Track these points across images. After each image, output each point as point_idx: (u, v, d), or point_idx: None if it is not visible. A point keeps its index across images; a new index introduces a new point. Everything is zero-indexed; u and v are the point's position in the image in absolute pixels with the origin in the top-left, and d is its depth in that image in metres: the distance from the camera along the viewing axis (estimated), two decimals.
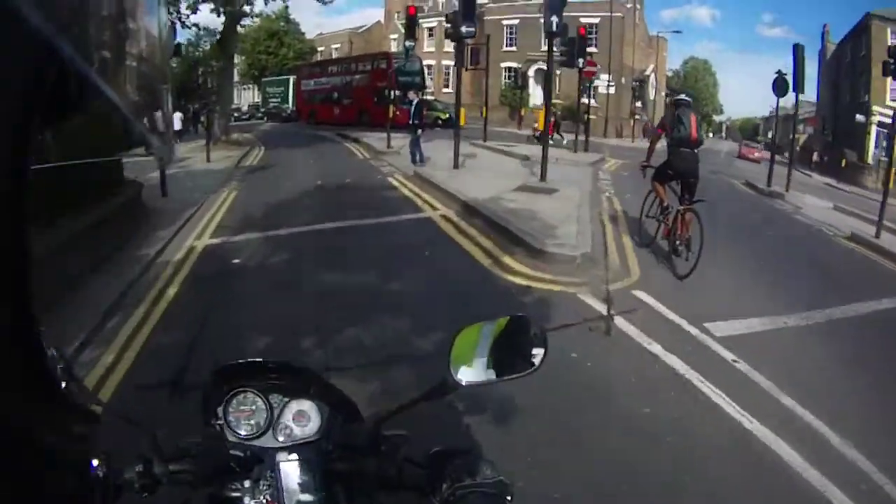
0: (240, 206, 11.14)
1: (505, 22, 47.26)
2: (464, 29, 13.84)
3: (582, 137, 24.13)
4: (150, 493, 1.03)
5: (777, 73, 17.87)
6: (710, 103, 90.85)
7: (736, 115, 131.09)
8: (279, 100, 49.62)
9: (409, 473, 1.14)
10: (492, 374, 1.13)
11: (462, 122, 16.02)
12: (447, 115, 33.80)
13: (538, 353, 1.16)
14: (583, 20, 45.37)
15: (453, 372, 1.10)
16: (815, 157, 44.34)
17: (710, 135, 64.80)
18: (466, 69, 25.73)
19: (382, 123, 22.14)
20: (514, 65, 47.71)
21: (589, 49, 43.63)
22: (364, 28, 63.96)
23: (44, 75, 0.46)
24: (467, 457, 1.13)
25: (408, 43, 19.67)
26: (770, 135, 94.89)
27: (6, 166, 0.47)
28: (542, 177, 13.56)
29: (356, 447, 1.17)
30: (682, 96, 8.42)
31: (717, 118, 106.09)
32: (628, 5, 45.47)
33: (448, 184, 12.49)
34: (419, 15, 25.45)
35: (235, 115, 42.30)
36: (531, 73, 45.45)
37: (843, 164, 26.42)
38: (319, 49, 62.89)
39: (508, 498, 1.07)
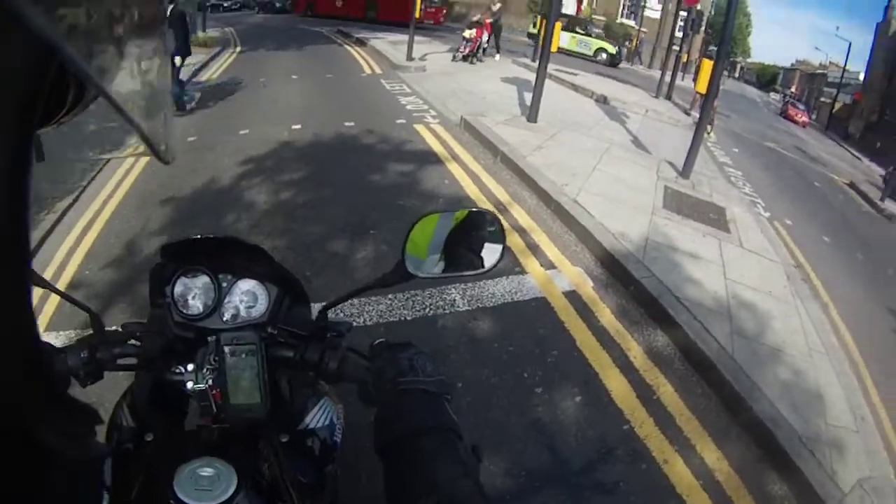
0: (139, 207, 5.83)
1: None
2: None
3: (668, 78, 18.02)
4: (95, 380, 1.09)
5: None
6: (740, 45, 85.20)
7: (756, 60, 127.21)
8: None
9: (352, 364, 1.15)
10: (441, 268, 1.15)
11: (554, 47, 9.95)
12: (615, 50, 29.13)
13: (495, 249, 1.17)
14: None
15: (406, 261, 1.10)
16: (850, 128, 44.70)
17: (726, 73, 60.11)
18: None
19: (398, 20, 18.39)
20: None
21: None
22: None
23: (44, 75, 0.45)
24: (410, 351, 1.12)
25: None
26: (794, 88, 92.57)
27: (6, 166, 0.45)
28: (685, 170, 8.38)
29: (301, 333, 1.16)
30: None
31: (742, 61, 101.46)
32: None
33: (542, 171, 7.02)
34: None
35: (225, 4, 36.41)
36: None
37: None
38: None
39: (448, 397, 1.05)
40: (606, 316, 4.58)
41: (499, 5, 16.96)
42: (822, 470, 3.68)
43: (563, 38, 29.44)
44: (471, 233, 1.17)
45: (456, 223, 1.16)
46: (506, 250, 1.17)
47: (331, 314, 1.21)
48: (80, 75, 0.44)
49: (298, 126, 8.15)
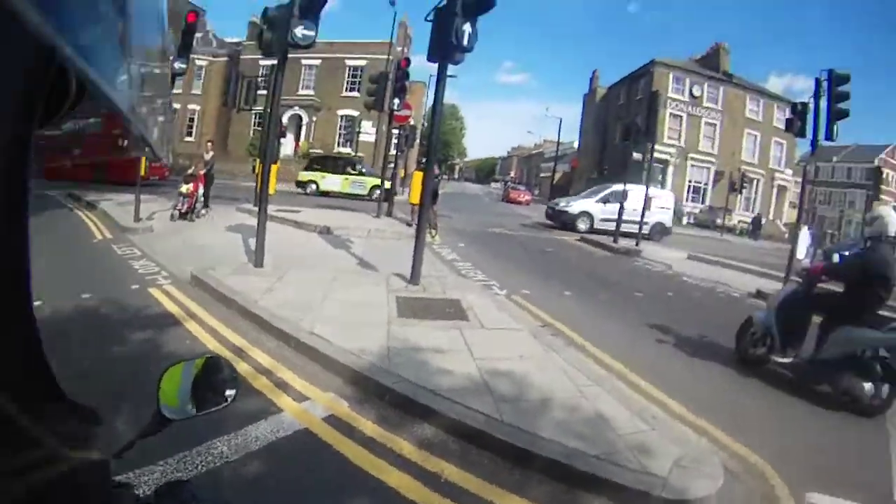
0: None
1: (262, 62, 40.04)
2: (299, 32, 8.16)
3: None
4: None
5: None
6: (455, 147, 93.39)
7: (471, 157, 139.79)
8: None
9: None
10: (192, 410, 1.22)
11: (272, 189, 10.00)
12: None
13: (231, 391, 1.31)
14: (349, 62, 43.24)
15: (161, 409, 1.16)
16: (571, 192, 48.25)
17: (446, 177, 65.41)
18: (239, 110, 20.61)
19: (124, 181, 17.50)
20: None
21: (352, 93, 42.68)
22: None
23: (44, 75, 0.47)
24: (189, 485, 1.08)
25: (178, 65, 12.94)
26: (512, 174, 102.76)
27: (6, 166, 0.47)
28: (413, 278, 8.74)
29: None
30: None
31: (460, 161, 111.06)
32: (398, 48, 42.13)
33: (276, 312, 6.80)
34: None
35: None
36: (285, 119, 40.56)
37: None
38: None
39: None
40: (370, 427, 4.46)
41: (212, 153, 16.65)
42: (632, 471, 3.87)
43: (334, 182, 30.22)
44: (211, 377, 1.28)
45: (197, 369, 1.26)
46: (240, 384, 1.34)
47: None
48: (80, 75, 0.43)
49: (39, 302, 6.93)
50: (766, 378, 6.65)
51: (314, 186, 30.47)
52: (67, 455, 0.59)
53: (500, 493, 3.70)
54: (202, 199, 15.76)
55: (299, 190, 30.10)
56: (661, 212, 23.90)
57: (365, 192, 29.74)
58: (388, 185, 20.10)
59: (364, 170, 31.51)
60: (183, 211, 14.60)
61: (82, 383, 4.27)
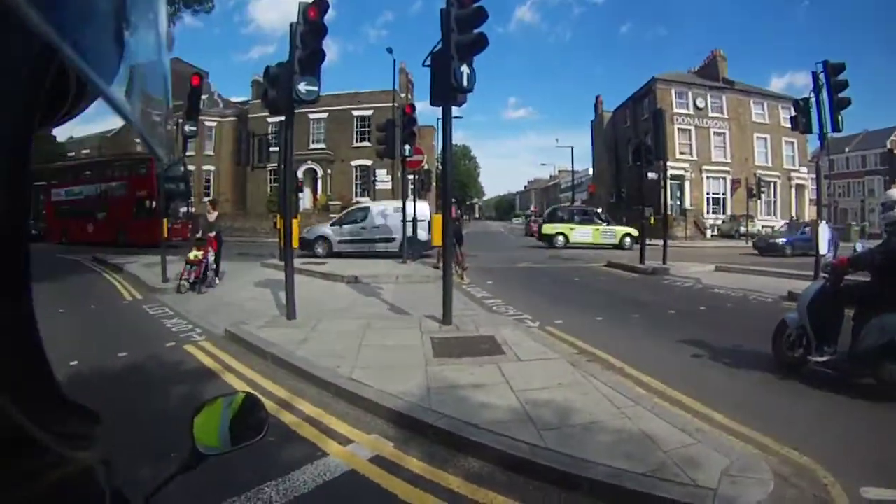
0: None
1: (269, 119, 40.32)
2: (303, 88, 8.48)
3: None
4: None
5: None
6: (472, 188, 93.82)
7: (489, 195, 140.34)
8: None
9: None
10: (229, 444, 1.25)
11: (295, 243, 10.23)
12: None
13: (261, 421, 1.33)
14: (355, 112, 43.92)
15: (197, 445, 1.19)
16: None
17: (466, 217, 65.21)
18: (253, 168, 21.14)
19: (147, 243, 18.60)
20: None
21: (363, 143, 43.28)
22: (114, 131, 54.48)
23: (44, 75, 0.47)
24: None
25: (189, 128, 13.31)
26: (533, 207, 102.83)
27: (6, 166, 0.47)
28: (445, 318, 8.82)
29: None
30: None
31: (478, 201, 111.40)
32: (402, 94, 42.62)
33: (313, 361, 6.90)
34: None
35: None
36: (300, 173, 41.12)
37: (652, 220, 26.08)
38: (70, 154, 53.23)
39: None
40: (416, 464, 4.50)
41: (216, 213, 14.98)
42: (681, 485, 3.86)
43: (584, 233, 30.79)
44: (248, 412, 1.32)
45: (235, 406, 1.30)
46: (268, 420, 1.35)
47: None
48: (80, 75, 0.44)
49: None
50: (807, 379, 6.57)
51: (562, 239, 30.76)
52: (67, 455, 0.60)
53: None
54: (213, 266, 14.11)
55: (542, 244, 30.34)
56: (420, 225, 20.92)
57: (616, 240, 30.26)
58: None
59: (605, 219, 32.10)
60: (191, 281, 13.21)
61: (128, 442, 4.42)
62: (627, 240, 30.07)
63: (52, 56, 0.46)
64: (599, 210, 35.86)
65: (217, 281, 14.19)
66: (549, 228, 31.43)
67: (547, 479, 4.13)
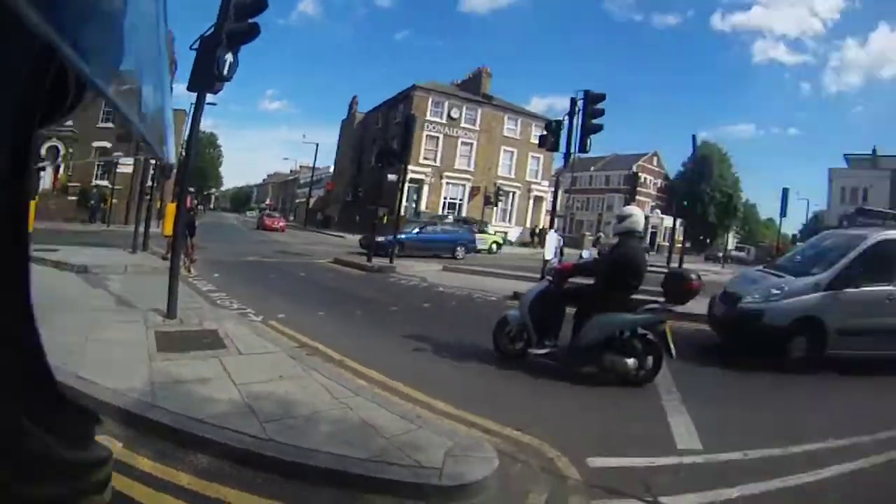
0: None
1: None
2: None
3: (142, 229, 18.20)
4: None
5: None
6: (213, 177, 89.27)
7: (228, 186, 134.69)
8: None
9: None
10: None
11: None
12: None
13: None
14: None
15: None
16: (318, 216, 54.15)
17: (201, 207, 62.54)
18: None
19: None
20: None
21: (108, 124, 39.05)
22: None
23: (44, 75, 0.47)
24: None
25: None
26: (268, 201, 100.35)
27: (7, 165, 0.47)
28: (170, 311, 8.55)
29: None
30: None
31: (216, 191, 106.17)
32: None
33: None
34: None
35: None
36: (43, 150, 36.13)
37: (385, 219, 28.44)
38: None
39: None
40: (146, 463, 4.32)
41: None
42: (406, 467, 4.15)
43: None
44: None
45: None
46: None
47: None
48: (80, 75, 0.44)
49: None
50: (528, 369, 7.25)
51: None
52: (67, 455, 0.60)
53: None
54: None
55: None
56: None
57: (486, 246, 32.39)
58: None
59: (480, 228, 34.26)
60: None
61: None
62: (494, 246, 33.51)
63: (52, 56, 0.46)
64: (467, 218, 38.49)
65: None
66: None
67: (274, 471, 4.19)
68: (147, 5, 0.59)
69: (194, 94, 8.46)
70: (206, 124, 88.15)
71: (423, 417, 5.23)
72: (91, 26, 0.45)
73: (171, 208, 15.36)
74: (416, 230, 26.01)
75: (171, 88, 0.68)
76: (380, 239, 23.39)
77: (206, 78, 7.96)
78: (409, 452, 4.37)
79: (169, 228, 12.15)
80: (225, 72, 7.75)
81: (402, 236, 24.19)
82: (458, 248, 25.86)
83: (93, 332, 7.37)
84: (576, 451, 4.81)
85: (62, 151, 38.65)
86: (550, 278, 7.97)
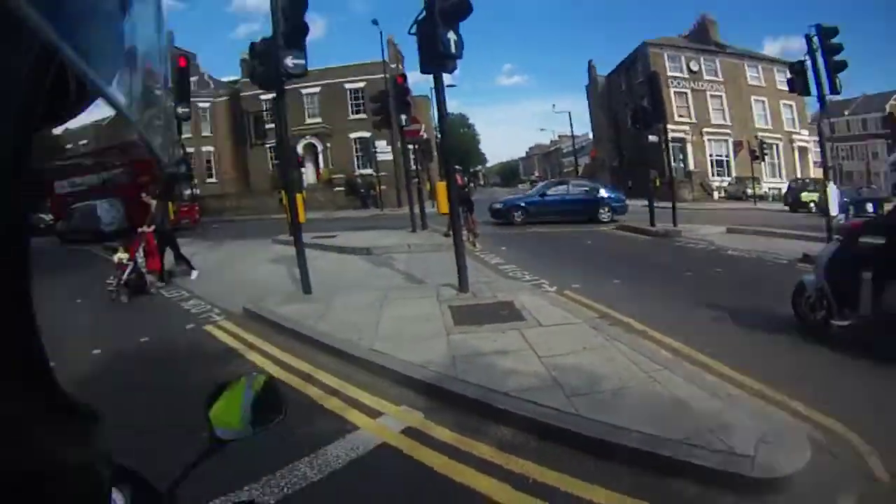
0: None
1: (262, 97, 37.25)
2: (290, 62, 8.41)
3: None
4: None
5: None
6: (474, 156, 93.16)
7: (492, 163, 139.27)
8: None
9: None
10: (250, 427, 1.22)
11: (302, 218, 10.35)
12: None
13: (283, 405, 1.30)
14: (347, 86, 43.52)
15: (216, 430, 1.17)
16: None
17: (473, 184, 65.29)
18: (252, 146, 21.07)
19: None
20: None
21: (358, 115, 43.01)
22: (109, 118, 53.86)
23: (44, 75, 0.47)
24: None
25: (181, 110, 12.95)
26: (536, 173, 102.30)
27: (6, 166, 0.47)
28: (462, 285, 8.79)
29: None
30: None
31: (482, 168, 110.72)
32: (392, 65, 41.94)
33: (333, 334, 6.90)
34: None
35: None
36: (299, 149, 40.65)
37: (657, 183, 26.36)
38: (68, 147, 51.08)
39: None
40: (447, 434, 4.49)
41: (154, 202, 12.06)
42: (718, 453, 3.81)
43: None
44: (269, 394, 1.29)
45: (257, 389, 1.28)
46: (287, 400, 1.32)
47: None
48: (80, 75, 0.43)
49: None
50: (833, 342, 6.36)
51: None
52: (67, 455, 0.60)
53: (585, 487, 3.68)
54: (144, 268, 11.08)
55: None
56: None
57: None
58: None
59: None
60: (114, 287, 10.58)
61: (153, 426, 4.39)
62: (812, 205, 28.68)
63: (52, 56, 0.46)
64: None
65: (159, 285, 11.50)
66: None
67: (579, 447, 4.10)
68: (147, 5, 0.57)
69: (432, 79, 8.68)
70: (452, 106, 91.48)
71: (733, 396, 4.81)
72: (91, 26, 0.43)
73: (440, 186, 16.16)
74: (540, 192, 23.73)
75: (171, 89, 0.65)
76: (497, 206, 22.53)
77: (435, 58, 8.10)
78: (721, 436, 4.01)
79: (444, 206, 12.72)
80: (452, 50, 7.81)
81: (522, 201, 22.83)
82: (602, 211, 22.44)
83: (385, 310, 7.91)
84: (890, 449, 4.05)
85: (320, 147, 42.75)
86: (840, 238, 6.95)
